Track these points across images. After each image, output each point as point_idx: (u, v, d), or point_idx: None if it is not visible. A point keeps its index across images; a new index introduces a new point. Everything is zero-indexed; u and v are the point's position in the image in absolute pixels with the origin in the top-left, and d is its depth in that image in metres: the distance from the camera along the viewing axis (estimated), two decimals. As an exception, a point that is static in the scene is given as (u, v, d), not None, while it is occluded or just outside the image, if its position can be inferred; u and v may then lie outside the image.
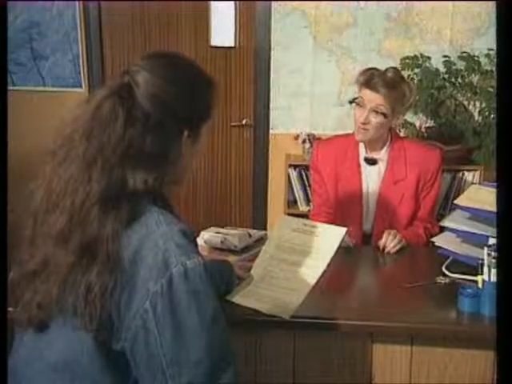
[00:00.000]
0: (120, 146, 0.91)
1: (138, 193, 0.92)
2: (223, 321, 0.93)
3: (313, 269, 1.32)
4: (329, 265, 1.31)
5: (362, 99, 1.86)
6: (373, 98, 1.84)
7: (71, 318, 0.90)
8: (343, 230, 1.37)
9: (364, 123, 1.86)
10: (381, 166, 1.97)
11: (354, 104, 1.91)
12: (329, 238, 1.37)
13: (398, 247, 1.79)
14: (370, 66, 2.01)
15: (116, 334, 0.90)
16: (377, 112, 1.85)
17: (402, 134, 2.64)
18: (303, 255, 1.36)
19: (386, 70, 1.89)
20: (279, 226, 1.52)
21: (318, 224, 1.50)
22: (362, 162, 1.98)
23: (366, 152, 1.98)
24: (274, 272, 1.36)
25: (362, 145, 1.98)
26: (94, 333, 0.89)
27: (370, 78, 1.85)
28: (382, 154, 1.96)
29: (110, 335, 0.90)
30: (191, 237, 0.95)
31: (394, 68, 1.92)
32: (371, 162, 1.96)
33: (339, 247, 1.32)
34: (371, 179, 1.98)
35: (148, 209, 0.93)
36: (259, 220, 3.27)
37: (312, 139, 3.04)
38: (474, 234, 1.58)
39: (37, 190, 0.97)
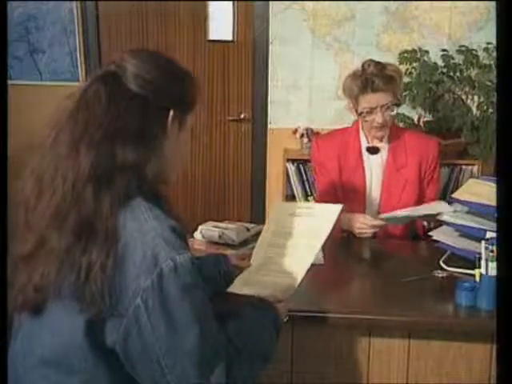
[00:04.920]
0: (105, 120, 0.93)
1: (129, 169, 0.93)
2: (212, 315, 0.95)
3: (309, 249, 1.31)
4: (325, 244, 1.31)
5: (369, 105, 1.87)
6: (381, 98, 1.86)
7: (69, 301, 0.91)
8: (339, 206, 1.38)
9: (383, 123, 1.89)
10: (383, 155, 1.99)
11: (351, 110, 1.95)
12: (324, 216, 1.37)
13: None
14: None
15: (110, 324, 0.90)
16: (388, 107, 1.88)
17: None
18: (300, 237, 1.36)
19: (367, 67, 1.88)
20: (275, 213, 1.51)
21: (313, 204, 1.49)
22: (364, 152, 1.99)
23: (368, 142, 1.99)
24: (272, 258, 1.36)
25: (363, 135, 2.00)
26: (92, 316, 0.89)
27: (366, 82, 1.85)
28: (383, 143, 1.99)
29: (104, 324, 0.90)
30: (180, 233, 0.95)
31: (372, 61, 1.91)
32: (373, 150, 1.99)
33: (335, 225, 1.32)
34: (374, 168, 2.00)
35: (137, 204, 0.93)
36: (257, 214, 3.27)
37: (310, 133, 3.04)
38: (471, 227, 1.59)
39: (27, 178, 0.97)
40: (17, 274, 0.96)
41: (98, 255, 0.88)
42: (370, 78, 1.85)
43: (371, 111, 1.88)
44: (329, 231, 1.30)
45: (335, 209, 1.36)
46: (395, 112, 1.92)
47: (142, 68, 0.98)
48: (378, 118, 1.88)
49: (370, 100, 1.87)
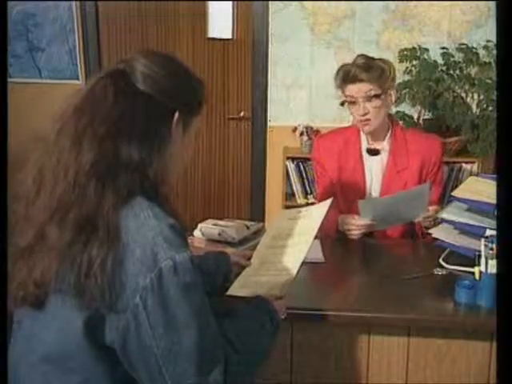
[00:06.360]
0: (110, 117, 0.93)
1: (134, 167, 0.93)
2: (211, 314, 0.95)
3: (302, 243, 1.33)
4: (316, 236, 1.32)
5: (351, 96, 1.87)
6: (359, 87, 1.85)
7: (69, 296, 0.90)
8: (328, 200, 1.39)
9: (364, 115, 1.87)
10: (383, 156, 1.97)
11: (346, 105, 1.92)
12: (316, 213, 1.39)
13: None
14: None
15: (109, 322, 0.90)
16: (369, 97, 1.85)
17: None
18: (295, 237, 1.37)
19: (355, 59, 1.89)
20: (276, 219, 1.54)
21: (309, 207, 1.50)
22: (365, 154, 1.98)
23: (368, 143, 1.98)
24: (269, 258, 1.37)
25: (363, 136, 1.98)
26: (91, 313, 0.89)
27: (346, 74, 1.86)
28: (383, 144, 1.97)
29: (103, 322, 0.91)
30: (180, 231, 0.95)
31: (362, 54, 1.91)
32: (373, 152, 1.97)
33: (324, 218, 1.33)
34: (374, 170, 1.99)
35: (138, 202, 0.93)
36: (257, 212, 3.27)
37: (310, 132, 3.04)
38: (471, 225, 1.59)
39: (29, 170, 0.97)
40: (17, 269, 0.96)
41: (98, 251, 0.88)
42: (350, 69, 1.85)
43: (353, 102, 1.87)
44: (319, 224, 1.32)
45: (325, 203, 1.39)
46: (379, 104, 1.86)
47: (151, 68, 0.99)
48: (359, 109, 1.86)
49: (351, 89, 1.86)
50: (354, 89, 1.85)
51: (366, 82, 1.84)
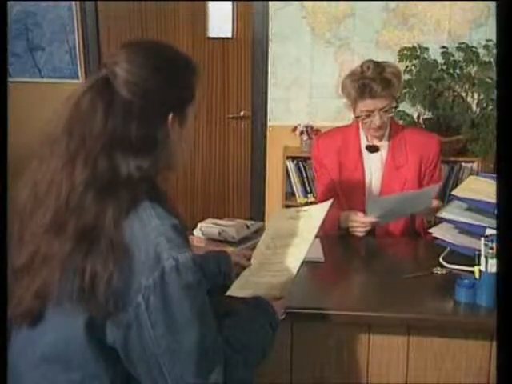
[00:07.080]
0: (102, 135, 0.92)
1: (135, 179, 0.92)
2: (212, 314, 0.95)
3: (302, 243, 1.33)
4: (316, 236, 1.32)
5: (368, 110, 1.87)
6: (379, 102, 1.85)
7: (71, 303, 0.90)
8: (329, 201, 1.39)
9: (381, 125, 1.89)
10: (382, 153, 1.99)
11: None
12: (316, 213, 1.38)
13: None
14: (368, 57, 2.00)
15: (110, 322, 0.91)
16: (386, 110, 1.88)
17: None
18: (295, 237, 1.38)
19: (365, 69, 1.86)
20: (275, 218, 1.53)
21: (309, 207, 1.50)
22: (364, 151, 1.99)
23: (367, 140, 1.99)
24: (269, 259, 1.37)
25: (362, 134, 2.00)
26: (93, 315, 0.89)
27: (363, 88, 1.84)
28: (382, 141, 1.98)
29: (105, 322, 0.91)
30: (182, 231, 0.95)
31: (369, 61, 1.89)
32: (373, 149, 1.98)
33: (325, 218, 1.33)
34: (374, 167, 2.00)
35: (141, 203, 0.93)
36: (257, 212, 3.27)
37: (310, 131, 3.04)
38: (471, 224, 1.59)
39: (22, 190, 0.97)
40: (15, 285, 0.96)
41: (102, 264, 0.88)
42: (368, 84, 1.82)
43: (369, 114, 1.88)
44: (319, 224, 1.32)
45: (326, 203, 1.39)
46: (393, 114, 1.92)
47: (133, 73, 0.95)
48: (375, 120, 1.87)
49: (367, 104, 1.86)
50: (371, 103, 1.85)
51: (384, 97, 1.84)
